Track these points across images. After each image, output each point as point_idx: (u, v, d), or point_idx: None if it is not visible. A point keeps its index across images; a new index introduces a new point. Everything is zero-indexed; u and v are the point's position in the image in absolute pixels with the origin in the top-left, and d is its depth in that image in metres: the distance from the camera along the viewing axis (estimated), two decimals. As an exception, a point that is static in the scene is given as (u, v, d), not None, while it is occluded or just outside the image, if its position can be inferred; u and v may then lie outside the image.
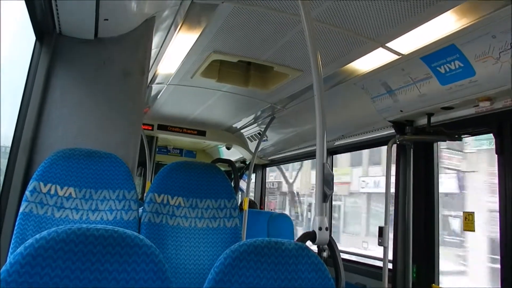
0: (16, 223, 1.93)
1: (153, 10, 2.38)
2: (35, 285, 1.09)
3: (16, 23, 2.44)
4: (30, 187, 2.01)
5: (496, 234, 2.61)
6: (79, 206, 2.09)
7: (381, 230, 3.25)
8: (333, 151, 4.47)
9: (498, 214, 2.57)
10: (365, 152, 11.65)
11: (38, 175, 2.04)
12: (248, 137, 5.39)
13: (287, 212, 12.27)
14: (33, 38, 2.32)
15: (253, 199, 5.94)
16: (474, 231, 2.94)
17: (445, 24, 2.21)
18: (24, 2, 2.04)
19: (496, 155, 2.62)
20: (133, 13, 2.27)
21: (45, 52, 2.29)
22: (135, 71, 2.43)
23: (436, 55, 2.52)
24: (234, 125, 5.17)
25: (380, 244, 3.23)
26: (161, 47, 2.88)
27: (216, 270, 1.28)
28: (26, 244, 1.11)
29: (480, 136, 3.13)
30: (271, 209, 11.16)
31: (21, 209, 1.96)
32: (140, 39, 2.45)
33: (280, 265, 1.35)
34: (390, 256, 3.27)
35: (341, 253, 1.79)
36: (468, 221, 2.92)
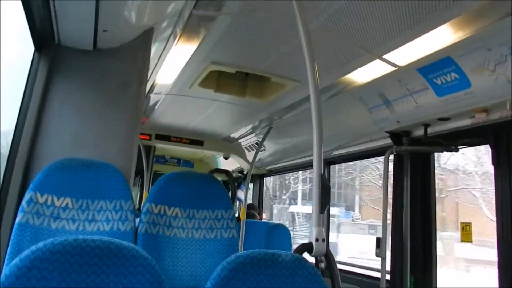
0: (12, 234, 1.91)
1: (152, 21, 2.40)
2: None
3: (15, 33, 2.45)
4: (26, 197, 2.00)
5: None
6: (75, 217, 2.07)
7: (378, 241, 3.24)
8: (330, 161, 4.48)
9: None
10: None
11: (35, 185, 2.03)
12: (245, 147, 5.39)
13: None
14: (32, 48, 2.33)
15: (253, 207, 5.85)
16: (471, 242, 2.94)
17: (442, 37, 2.23)
18: (23, 12, 2.05)
19: (493, 167, 2.63)
20: (132, 24, 2.29)
21: (44, 63, 2.30)
22: (134, 81, 2.44)
23: (432, 67, 2.54)
24: (231, 135, 5.17)
25: (378, 255, 3.21)
26: (160, 57, 2.89)
27: (212, 282, 1.27)
28: (22, 255, 1.10)
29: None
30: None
31: (17, 220, 1.94)
32: (139, 50, 2.46)
33: (277, 277, 1.34)
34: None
35: (337, 264, 1.78)
36: (466, 232, 2.92)
